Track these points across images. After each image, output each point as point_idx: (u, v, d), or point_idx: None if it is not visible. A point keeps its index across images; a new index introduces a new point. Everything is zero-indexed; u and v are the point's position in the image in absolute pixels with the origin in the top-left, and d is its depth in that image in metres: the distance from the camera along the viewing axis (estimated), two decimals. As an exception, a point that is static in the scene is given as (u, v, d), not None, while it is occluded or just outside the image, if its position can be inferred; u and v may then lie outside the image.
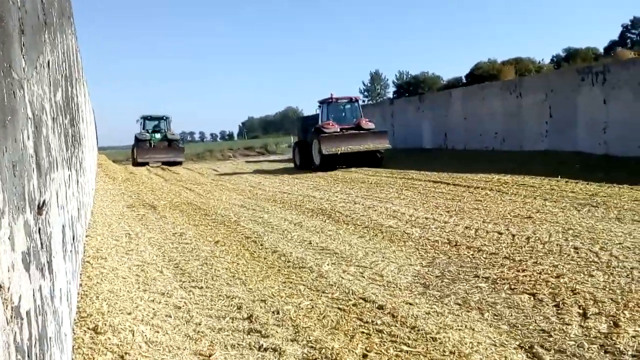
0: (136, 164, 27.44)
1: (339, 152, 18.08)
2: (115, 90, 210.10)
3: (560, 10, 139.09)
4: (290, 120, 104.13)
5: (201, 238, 7.72)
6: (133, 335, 3.80)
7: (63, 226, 3.48)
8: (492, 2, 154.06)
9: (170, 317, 4.29)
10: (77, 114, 7.18)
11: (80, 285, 4.87)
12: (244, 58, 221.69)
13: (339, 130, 18.74)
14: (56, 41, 4.01)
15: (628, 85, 14.63)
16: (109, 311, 4.25)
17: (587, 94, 16.02)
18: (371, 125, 19.44)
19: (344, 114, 20.53)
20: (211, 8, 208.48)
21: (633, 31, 68.02)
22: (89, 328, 3.83)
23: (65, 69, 5.18)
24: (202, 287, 5.17)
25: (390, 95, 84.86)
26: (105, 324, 3.91)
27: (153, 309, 4.45)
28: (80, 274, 5.20)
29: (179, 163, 28.29)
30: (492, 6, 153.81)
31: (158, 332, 3.93)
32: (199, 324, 4.12)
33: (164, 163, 27.99)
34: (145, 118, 30.19)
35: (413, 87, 74.98)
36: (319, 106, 20.56)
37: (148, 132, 29.23)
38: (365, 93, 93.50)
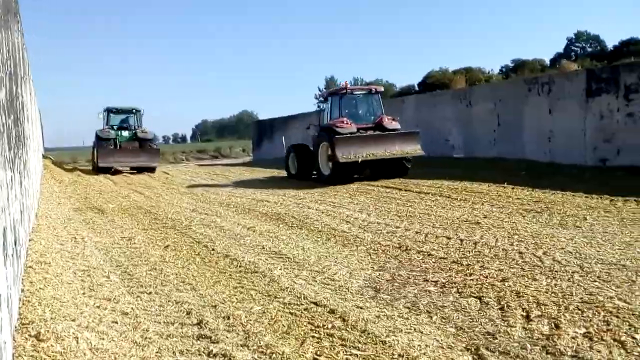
0: (98, 169, 21.67)
1: (360, 160, 13.69)
2: (62, 88, 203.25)
3: (509, 23, 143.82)
4: (245, 123, 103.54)
5: (151, 243, 7.57)
6: (77, 343, 3.69)
7: (4, 229, 3.35)
8: (444, 12, 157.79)
9: (117, 323, 4.18)
10: (21, 113, 6.93)
11: (22, 291, 4.69)
12: (198, 59, 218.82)
13: (356, 130, 14.44)
14: (-1, 38, 3.87)
15: (571, 96, 15.27)
16: (52, 318, 4.11)
17: (534, 103, 16.61)
18: (397, 125, 15.08)
19: (360, 110, 15.86)
20: (166, 7, 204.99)
21: (577, 44, 70.89)
22: (30, 335, 3.69)
23: (10, 66, 5.00)
24: (150, 293, 5.07)
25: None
26: (48, 331, 3.78)
27: (99, 315, 4.32)
28: (23, 280, 5.01)
29: (152, 169, 22.47)
30: (444, 16, 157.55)
31: (104, 339, 3.83)
32: (147, 330, 4.04)
33: (134, 168, 22.54)
34: (110, 111, 23.37)
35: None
36: (324, 99, 16.52)
37: (113, 129, 22.86)
38: (321, 98, 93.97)
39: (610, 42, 65.54)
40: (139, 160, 22.18)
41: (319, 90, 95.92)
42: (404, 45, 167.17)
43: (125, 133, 23.13)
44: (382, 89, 16.38)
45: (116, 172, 21.89)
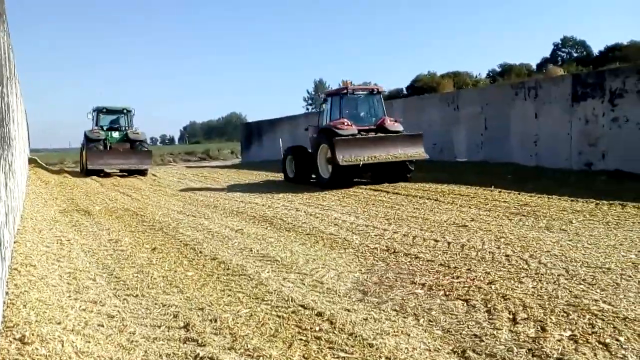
0: (87, 171, 20.85)
1: (361, 163, 13.16)
2: (47, 89, 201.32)
3: (497, 27, 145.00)
4: (233, 125, 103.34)
5: (137, 245, 7.51)
6: (62, 346, 3.65)
7: (-12, 232, 3.31)
8: (433, 17, 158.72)
9: (103, 326, 4.15)
10: (7, 114, 6.85)
11: (7, 293, 4.63)
12: (187, 60, 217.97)
13: (357, 132, 13.96)
14: (-15, 38, 3.83)
15: (557, 100, 15.43)
16: (37, 321, 4.07)
17: (520, 108, 16.77)
18: (399, 127, 14.52)
19: (361, 111, 15.28)
20: (154, 8, 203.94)
21: (563, 49, 71.63)
22: (15, 338, 3.65)
23: (-5, 67, 4.95)
24: (137, 296, 5.03)
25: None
26: (33, 334, 3.74)
27: (84, 318, 4.28)
28: (7, 282, 4.95)
29: (144, 172, 21.44)
30: (432, 21, 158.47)
31: (89, 342, 3.79)
32: (133, 333, 4.01)
33: (124, 171, 21.74)
34: (99, 111, 22.39)
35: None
36: (324, 99, 15.76)
37: (103, 130, 21.89)
38: (310, 101, 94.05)
39: (596, 48, 66.36)
40: (130, 162, 21.18)
41: (308, 93, 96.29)
42: (393, 49, 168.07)
43: (116, 134, 22.20)
44: (384, 89, 15.68)
45: (106, 175, 21.21)
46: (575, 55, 68.63)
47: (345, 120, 14.02)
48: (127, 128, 22.57)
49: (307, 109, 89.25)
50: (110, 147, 21.51)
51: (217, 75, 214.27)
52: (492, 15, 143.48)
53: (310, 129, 16.23)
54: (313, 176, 15.42)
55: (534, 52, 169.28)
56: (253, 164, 29.42)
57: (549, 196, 10.37)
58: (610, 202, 9.26)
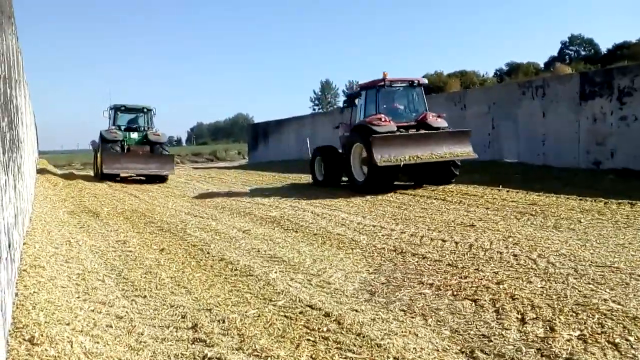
0: (102, 175, 18.80)
1: (402, 164, 11.68)
2: (55, 91, 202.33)
3: (505, 26, 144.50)
4: (240, 126, 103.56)
5: (145, 246, 7.55)
6: (71, 347, 3.67)
7: (-2, 233, 3.33)
8: (440, 16, 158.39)
9: (112, 327, 4.17)
10: (15, 116, 6.90)
11: (16, 295, 4.66)
12: (193, 62, 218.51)
13: (396, 129, 12.43)
14: (-7, 41, 3.86)
15: (564, 99, 15.35)
16: (46, 322, 4.09)
17: (528, 107, 16.69)
18: (443, 123, 13.03)
19: (399, 105, 13.79)
20: (160, 9, 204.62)
21: (571, 48, 71.36)
22: (24, 339, 3.67)
23: (4, 69, 4.99)
24: (145, 296, 5.05)
25: (341, 104, 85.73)
26: (42, 335, 3.76)
27: (93, 319, 4.30)
28: (16, 283, 4.99)
29: (164, 178, 19.24)
30: (440, 20, 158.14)
31: (98, 342, 3.81)
32: (142, 334, 4.02)
33: (142, 176, 19.48)
34: (117, 109, 20.39)
35: (363, 97, 75.77)
36: (357, 93, 14.22)
37: (120, 130, 19.85)
38: (316, 102, 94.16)
39: (604, 46, 66.01)
40: (150, 167, 18.96)
41: (315, 93, 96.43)
42: (399, 48, 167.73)
43: (135, 135, 20.09)
44: (425, 81, 14.11)
45: (122, 179, 19.58)
46: (583, 53, 68.33)
47: (383, 115, 12.55)
48: (146, 129, 20.55)
49: (314, 109, 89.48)
50: (129, 149, 19.58)
51: (223, 75, 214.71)
52: (500, 14, 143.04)
53: (341, 126, 14.99)
54: (344, 179, 14.28)
55: (542, 51, 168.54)
56: (261, 164, 29.47)
57: (557, 195, 10.33)
58: (619, 200, 9.21)
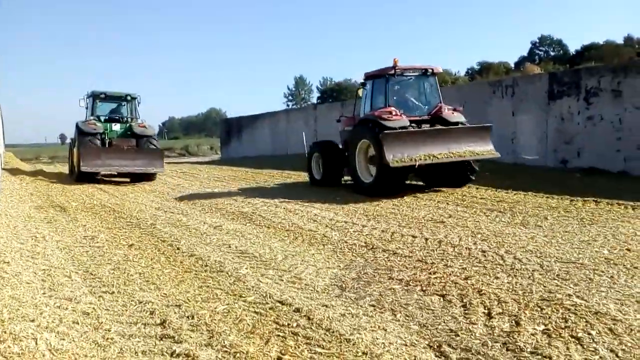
0: (79, 175, 16.08)
1: (417, 164, 10.37)
2: (20, 82, 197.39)
3: (476, 26, 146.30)
4: (213, 121, 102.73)
5: (114, 241, 7.44)
6: (36, 344, 3.61)
7: (-42, 228, 3.24)
8: (412, 14, 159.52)
9: (78, 323, 4.10)
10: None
11: (-22, 291, 4.56)
12: (165, 55, 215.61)
13: (408, 123, 11.12)
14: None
15: (533, 98, 15.64)
16: (10, 318, 4.02)
17: (498, 105, 16.95)
18: (460, 117, 11.79)
19: (410, 97, 12.27)
20: (132, 2, 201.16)
21: (540, 48, 72.55)
22: (-14, 337, 3.59)
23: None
24: (113, 293, 4.98)
25: (315, 100, 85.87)
26: (5, 332, 3.69)
27: (59, 316, 4.23)
28: (-21, 280, 4.87)
29: (152, 176, 16.94)
30: (412, 18, 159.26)
31: (64, 339, 3.75)
32: (109, 331, 3.97)
33: (128, 175, 16.99)
34: (96, 97, 17.74)
35: (337, 94, 76.09)
36: (362, 83, 12.71)
37: (100, 121, 17.32)
38: (290, 97, 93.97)
39: (573, 47, 67.32)
40: (135, 164, 16.36)
41: (288, 89, 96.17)
42: (373, 46, 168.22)
43: (117, 126, 17.55)
44: (440, 69, 12.89)
45: (104, 179, 17.38)
46: (552, 53, 69.56)
47: (393, 108, 11.15)
48: (130, 119, 18.07)
49: (288, 105, 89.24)
50: (110, 144, 17.07)
51: (196, 70, 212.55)
52: (472, 13, 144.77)
53: (342, 120, 13.74)
54: (346, 178, 13.17)
55: (512, 51, 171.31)
56: (233, 160, 29.30)
57: (525, 193, 10.53)
58: (585, 198, 9.43)
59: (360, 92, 12.82)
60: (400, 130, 10.60)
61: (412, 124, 11.20)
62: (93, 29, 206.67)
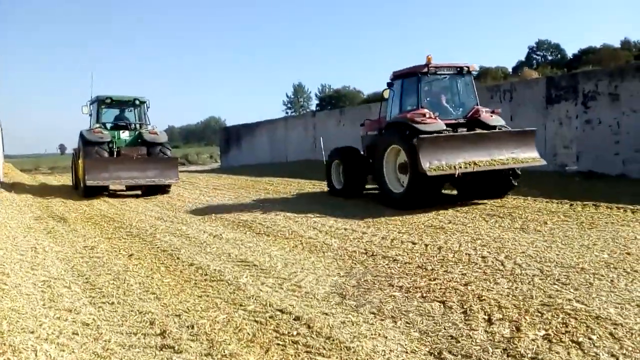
0: (85, 190, 14.50)
1: (458, 173, 9.40)
2: (22, 93, 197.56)
3: (474, 31, 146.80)
4: (212, 129, 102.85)
5: (114, 252, 7.43)
6: (36, 355, 3.61)
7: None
8: (410, 20, 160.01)
9: (78, 334, 4.10)
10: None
11: (-22, 303, 4.55)
12: (164, 64, 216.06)
13: (444, 127, 10.08)
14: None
15: (531, 102, 15.67)
16: (9, 330, 4.01)
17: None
18: (500, 120, 10.70)
19: (445, 98, 11.21)
20: (131, 7, 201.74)
21: (538, 52, 72.73)
22: (-15, 349, 3.58)
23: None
24: (113, 303, 4.98)
25: (314, 107, 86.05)
26: (5, 344, 3.69)
27: (59, 327, 4.23)
28: (-22, 292, 4.86)
29: (166, 188, 15.28)
30: (410, 24, 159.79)
31: (64, 350, 3.75)
32: (109, 341, 3.96)
33: (139, 187, 15.54)
34: (101, 102, 15.95)
35: (335, 101, 76.28)
36: (389, 84, 11.58)
37: (106, 129, 15.62)
38: (289, 105, 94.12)
39: (570, 51, 67.56)
40: (148, 175, 14.62)
41: (287, 96, 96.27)
42: (371, 52, 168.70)
43: (125, 134, 15.80)
44: (477, 68, 11.94)
45: (116, 192, 16.15)
46: (549, 58, 69.73)
47: (427, 111, 10.16)
48: (140, 126, 16.27)
49: (287, 112, 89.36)
50: (119, 153, 15.28)
51: (195, 78, 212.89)
52: (469, 19, 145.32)
53: (367, 123, 12.89)
54: (367, 186, 12.31)
55: (510, 56, 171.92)
56: (233, 168, 29.32)
57: (525, 197, 10.53)
58: (584, 202, 9.43)
59: (386, 93, 11.65)
60: (437, 135, 9.66)
61: (448, 128, 10.17)
62: (91, 38, 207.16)
